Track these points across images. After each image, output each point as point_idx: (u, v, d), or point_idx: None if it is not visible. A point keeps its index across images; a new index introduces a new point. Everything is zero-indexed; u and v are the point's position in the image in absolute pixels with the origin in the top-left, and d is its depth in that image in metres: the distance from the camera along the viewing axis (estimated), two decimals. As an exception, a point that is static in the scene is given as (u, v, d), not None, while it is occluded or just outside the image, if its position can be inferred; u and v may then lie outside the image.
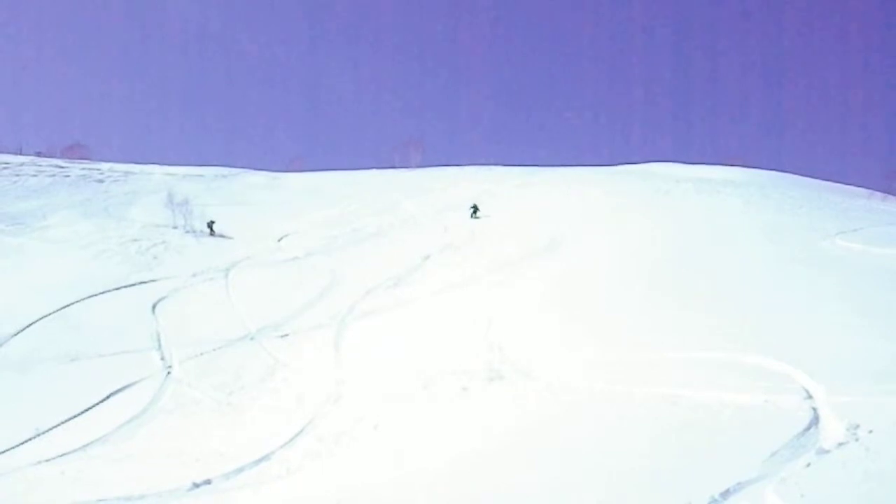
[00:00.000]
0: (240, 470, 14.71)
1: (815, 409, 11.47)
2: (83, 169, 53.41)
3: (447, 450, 13.37)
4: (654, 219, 31.92)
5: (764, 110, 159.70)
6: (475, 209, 37.83)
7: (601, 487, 9.83)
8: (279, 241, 35.20)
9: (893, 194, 42.36)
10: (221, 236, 35.78)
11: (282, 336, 23.22)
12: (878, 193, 43.19)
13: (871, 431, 10.19)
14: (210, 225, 36.44)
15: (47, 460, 15.65)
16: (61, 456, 15.86)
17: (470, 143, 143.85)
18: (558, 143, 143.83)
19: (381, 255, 31.83)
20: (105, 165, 56.27)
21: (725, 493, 8.69)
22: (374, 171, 57.63)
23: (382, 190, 47.82)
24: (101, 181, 49.96)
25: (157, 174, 53.32)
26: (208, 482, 14.18)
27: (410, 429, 15.43)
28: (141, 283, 28.40)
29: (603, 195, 39.42)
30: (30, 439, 16.66)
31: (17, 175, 49.30)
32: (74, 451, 16.12)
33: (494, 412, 14.99)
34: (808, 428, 10.83)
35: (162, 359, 21.47)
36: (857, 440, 10.08)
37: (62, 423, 17.53)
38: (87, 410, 18.24)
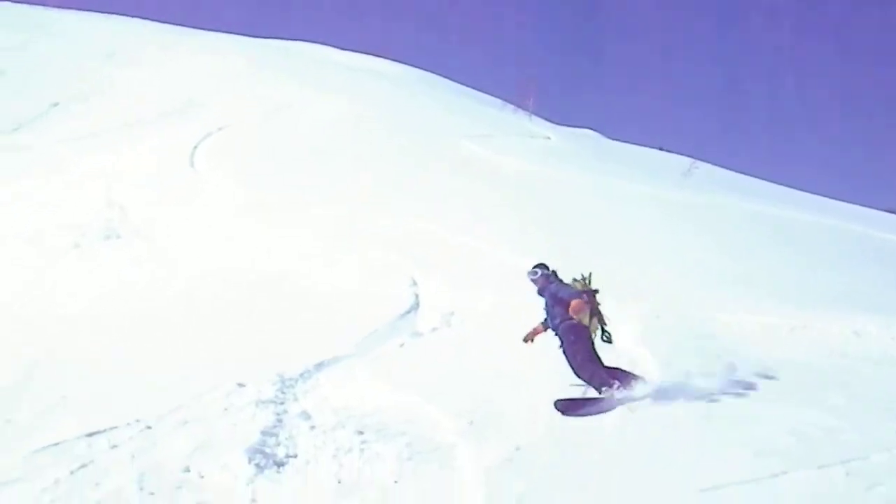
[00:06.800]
0: None
1: (417, 296, 12.30)
2: None
3: (50, 308, 12.45)
4: (298, 94, 32.17)
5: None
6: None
7: (195, 354, 9.87)
8: None
9: (524, 108, 44.73)
10: None
11: None
12: (511, 105, 45.61)
13: (463, 320, 11.16)
14: None
15: None
16: None
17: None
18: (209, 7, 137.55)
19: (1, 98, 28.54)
20: None
21: (319, 366, 9.13)
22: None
23: (5, 24, 42.24)
24: None
25: None
26: None
27: (13, 286, 14.06)
28: None
29: (247, 65, 38.54)
30: None
31: None
32: None
33: (104, 270, 14.34)
34: (408, 313, 11.61)
35: None
36: (449, 326, 11.07)
37: None
38: None
